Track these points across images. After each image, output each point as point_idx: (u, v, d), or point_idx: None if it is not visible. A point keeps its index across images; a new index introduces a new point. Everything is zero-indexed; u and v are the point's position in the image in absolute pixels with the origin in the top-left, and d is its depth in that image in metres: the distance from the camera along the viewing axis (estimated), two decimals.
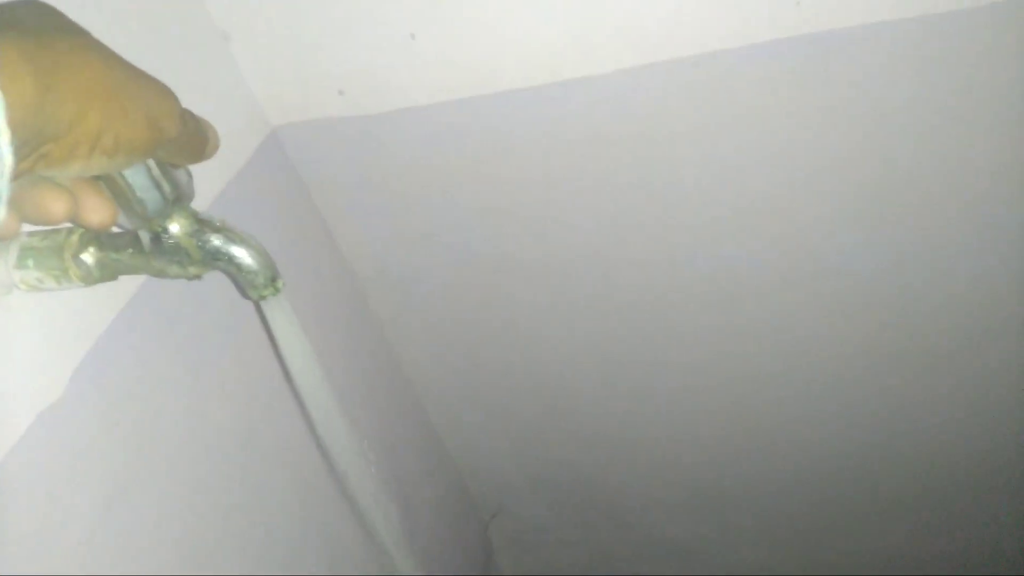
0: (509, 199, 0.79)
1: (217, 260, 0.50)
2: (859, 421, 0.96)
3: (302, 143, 0.79)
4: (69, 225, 0.48)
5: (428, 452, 1.04)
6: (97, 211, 0.41)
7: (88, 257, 0.50)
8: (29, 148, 0.33)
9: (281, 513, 0.75)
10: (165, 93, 0.41)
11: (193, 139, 0.45)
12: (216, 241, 0.50)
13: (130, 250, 0.50)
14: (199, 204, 0.68)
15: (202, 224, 0.50)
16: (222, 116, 0.72)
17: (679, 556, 1.17)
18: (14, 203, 0.38)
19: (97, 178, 0.43)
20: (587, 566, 1.22)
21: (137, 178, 0.45)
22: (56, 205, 0.39)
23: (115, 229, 0.49)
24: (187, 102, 0.45)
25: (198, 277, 0.52)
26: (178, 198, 0.48)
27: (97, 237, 0.50)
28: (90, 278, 0.50)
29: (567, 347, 0.93)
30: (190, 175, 0.50)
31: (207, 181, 0.70)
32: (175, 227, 0.49)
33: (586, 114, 0.72)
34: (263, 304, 0.50)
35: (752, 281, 0.84)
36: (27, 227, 0.47)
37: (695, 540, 1.14)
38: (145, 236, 0.49)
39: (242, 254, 0.50)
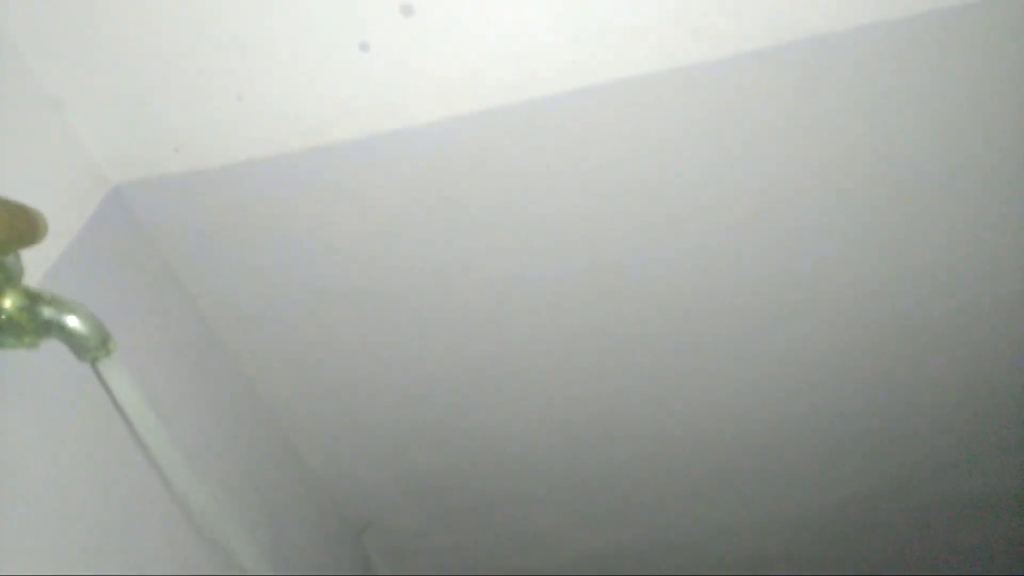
0: (346, 238, 0.85)
1: (50, 330, 0.55)
2: (717, 400, 1.08)
3: (144, 199, 0.82)
4: None
5: (294, 475, 1.09)
6: None
7: None
8: None
9: None
10: None
11: (13, 230, 0.49)
12: (47, 313, 0.54)
13: None
14: (43, 265, 0.71)
15: (32, 298, 0.54)
16: (58, 181, 0.76)
17: (548, 546, 1.26)
18: None
19: None
20: (465, 567, 1.29)
21: None
22: None
23: None
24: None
25: (35, 346, 0.56)
26: (7, 279, 0.52)
27: None
28: None
29: (418, 359, 1.00)
30: (17, 255, 0.54)
31: (50, 242, 0.73)
32: (7, 303, 0.53)
33: (404, 162, 0.79)
34: (98, 366, 0.55)
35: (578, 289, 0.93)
36: None
37: (561, 529, 1.23)
38: None
39: (73, 322, 0.55)
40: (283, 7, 0.72)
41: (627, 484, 1.19)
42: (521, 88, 0.75)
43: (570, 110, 0.77)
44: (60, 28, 0.74)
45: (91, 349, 0.55)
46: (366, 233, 0.86)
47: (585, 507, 1.22)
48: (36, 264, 0.71)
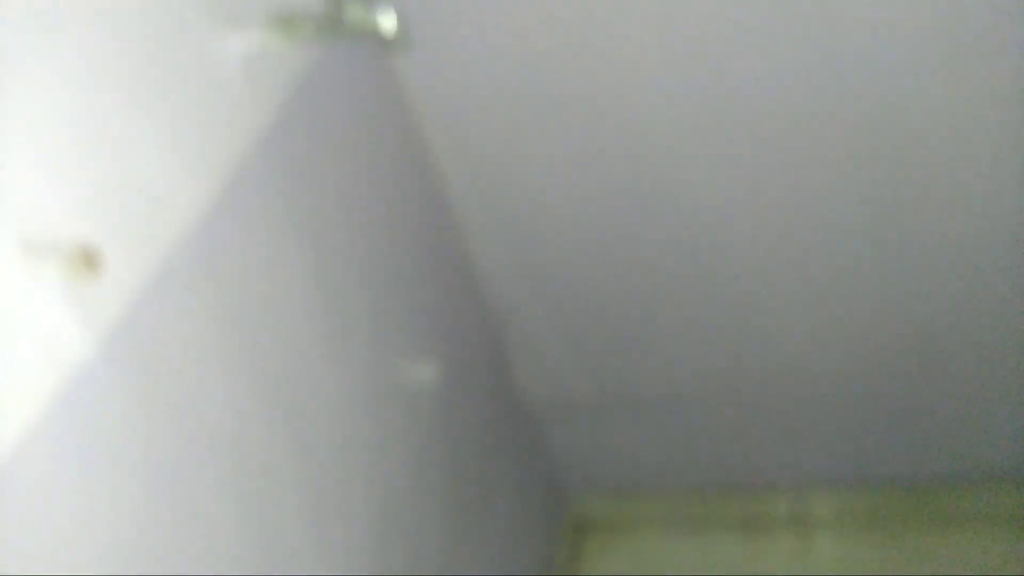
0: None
1: None
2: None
3: None
4: None
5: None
6: None
7: None
8: None
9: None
10: None
11: None
12: None
13: None
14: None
15: None
16: None
17: (668, 361, 1.45)
18: None
19: None
20: (593, 377, 1.49)
21: None
22: None
23: None
24: None
25: None
26: None
27: None
28: None
29: (593, 179, 1.20)
30: None
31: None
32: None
33: None
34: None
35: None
36: None
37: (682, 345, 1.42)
38: None
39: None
40: None
41: (744, 311, 1.37)
42: None
43: None
44: None
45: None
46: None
47: (704, 327, 1.39)
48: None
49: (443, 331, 1.24)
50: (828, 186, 1.17)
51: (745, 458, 1.55)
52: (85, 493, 0.61)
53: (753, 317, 1.35)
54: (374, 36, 0.81)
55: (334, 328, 0.95)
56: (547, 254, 1.31)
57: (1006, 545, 1.50)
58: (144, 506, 0.66)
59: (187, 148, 0.75)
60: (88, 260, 0.56)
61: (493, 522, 1.36)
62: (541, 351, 1.44)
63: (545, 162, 1.20)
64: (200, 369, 0.74)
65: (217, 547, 0.75)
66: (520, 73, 1.10)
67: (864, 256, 1.24)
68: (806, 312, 1.32)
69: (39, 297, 0.57)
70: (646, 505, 1.67)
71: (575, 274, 1.33)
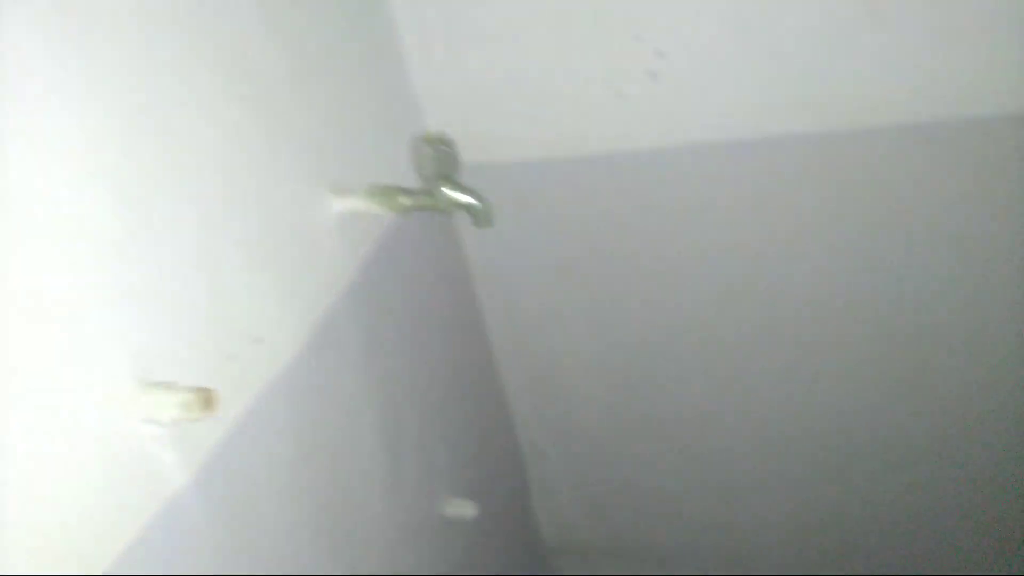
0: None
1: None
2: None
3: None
4: None
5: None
6: None
7: None
8: None
9: None
10: None
11: None
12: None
13: None
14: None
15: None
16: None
17: (671, 512, 1.53)
18: None
19: None
20: (613, 537, 1.56)
21: None
22: None
23: None
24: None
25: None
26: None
27: None
28: None
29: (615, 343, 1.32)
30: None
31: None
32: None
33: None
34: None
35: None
36: None
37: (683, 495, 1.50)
38: None
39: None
40: None
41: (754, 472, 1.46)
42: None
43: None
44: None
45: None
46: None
47: (714, 485, 1.48)
48: None
49: (479, 471, 1.33)
50: (845, 370, 1.30)
51: None
52: None
53: (762, 476, 1.44)
54: (462, 213, 0.94)
55: (391, 464, 1.04)
56: (573, 409, 1.44)
57: None
58: None
59: (287, 295, 0.86)
60: (207, 403, 0.62)
61: None
62: (561, 497, 1.54)
63: (576, 329, 1.34)
64: (273, 496, 0.82)
65: None
66: (559, 253, 1.26)
67: (867, 435, 1.36)
68: (811, 475, 1.42)
69: (149, 430, 0.64)
70: None
71: (597, 430, 1.46)
